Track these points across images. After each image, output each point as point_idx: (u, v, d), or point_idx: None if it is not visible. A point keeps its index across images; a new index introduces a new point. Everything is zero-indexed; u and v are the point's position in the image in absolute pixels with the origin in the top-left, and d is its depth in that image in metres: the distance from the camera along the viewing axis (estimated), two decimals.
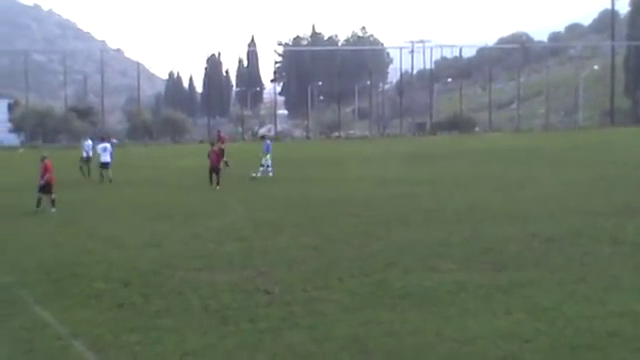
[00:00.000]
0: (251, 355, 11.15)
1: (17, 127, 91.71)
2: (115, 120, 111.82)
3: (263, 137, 43.89)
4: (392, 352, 11.13)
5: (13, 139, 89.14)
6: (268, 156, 40.20)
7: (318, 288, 15.01)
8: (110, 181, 39.12)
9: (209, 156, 35.36)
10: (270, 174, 39.84)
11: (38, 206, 27.46)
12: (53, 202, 27.66)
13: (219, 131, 55.21)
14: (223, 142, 44.60)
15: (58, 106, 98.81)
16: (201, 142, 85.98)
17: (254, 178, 38.78)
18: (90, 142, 42.39)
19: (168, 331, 12.33)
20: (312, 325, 12.48)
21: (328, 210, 26.79)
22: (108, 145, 41.44)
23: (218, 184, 34.40)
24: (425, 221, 23.76)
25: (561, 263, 16.89)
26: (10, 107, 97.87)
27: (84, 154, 41.53)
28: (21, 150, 74.56)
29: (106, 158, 40.12)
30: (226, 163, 41.15)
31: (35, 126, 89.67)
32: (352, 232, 21.86)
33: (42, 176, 27.76)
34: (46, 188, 27.69)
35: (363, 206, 27.68)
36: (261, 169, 39.78)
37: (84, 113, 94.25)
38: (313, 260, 17.89)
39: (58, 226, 24.51)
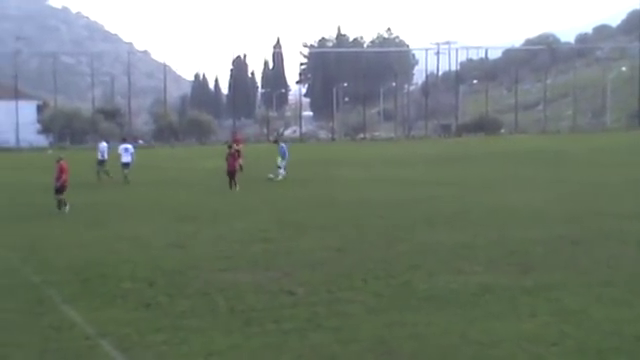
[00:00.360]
0: (276, 356, 11.19)
1: (46, 128, 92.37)
2: (142, 121, 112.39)
3: (276, 141, 43.03)
4: (417, 354, 11.13)
5: (42, 140, 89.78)
6: (279, 159, 39.97)
7: (343, 289, 15.03)
8: (128, 182, 39.52)
9: (227, 159, 35.19)
10: (279, 177, 39.56)
11: (60, 208, 27.68)
12: (64, 203, 27.78)
13: (234, 132, 54.73)
14: (238, 143, 44.22)
15: (86, 107, 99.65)
16: (226, 143, 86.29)
17: (271, 179, 38.87)
18: (105, 144, 42.44)
19: (194, 331, 12.40)
20: (337, 326, 12.50)
21: (353, 212, 26.81)
22: (129, 146, 41.87)
23: (236, 185, 34.40)
24: (450, 223, 23.72)
25: (587, 266, 16.81)
26: (39, 108, 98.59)
27: (99, 156, 41.52)
28: (50, 151, 75.06)
29: (127, 158, 40.58)
30: (240, 167, 40.76)
31: (63, 127, 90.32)
32: (376, 234, 21.87)
33: (58, 178, 27.81)
34: (60, 190, 27.81)
35: (388, 208, 27.68)
36: (280, 171, 39.74)
37: (111, 114, 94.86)
38: (337, 262, 17.92)
39: (86, 226, 24.69)
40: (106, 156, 41.39)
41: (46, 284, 16.08)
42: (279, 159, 39.98)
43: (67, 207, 27.73)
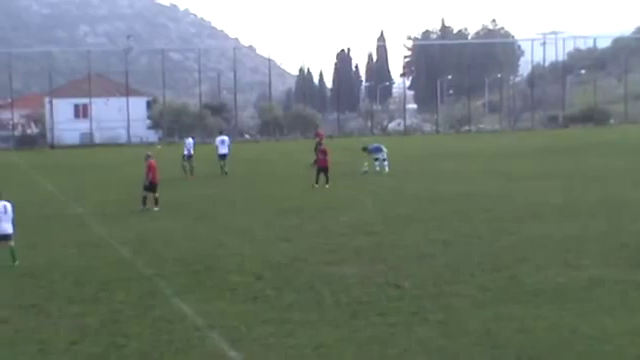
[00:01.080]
0: (382, 349, 11.23)
1: (155, 124, 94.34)
2: (247, 116, 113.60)
3: (365, 149, 41.73)
4: (525, 348, 11.01)
5: (152, 135, 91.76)
6: (380, 154, 39.79)
7: (449, 283, 14.98)
8: (226, 173, 40.63)
9: (317, 156, 34.57)
10: (385, 169, 39.37)
11: (144, 205, 27.44)
12: (156, 201, 27.59)
13: (317, 126, 54.17)
14: (321, 138, 43.91)
15: (193, 103, 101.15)
16: (330, 137, 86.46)
17: (380, 173, 38.79)
18: (192, 140, 43.06)
19: (300, 324, 12.54)
20: (443, 320, 12.47)
21: (458, 205, 26.61)
22: (226, 138, 43.12)
23: (327, 182, 33.12)
24: (558, 216, 23.33)
25: None
26: (149, 104, 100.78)
27: (185, 152, 41.91)
28: (159, 146, 76.76)
29: (224, 150, 41.76)
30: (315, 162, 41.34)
31: (171, 123, 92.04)
32: (482, 227, 21.67)
33: (147, 175, 27.80)
34: (151, 187, 27.68)
35: (494, 200, 27.39)
36: (385, 163, 39.56)
37: (218, 109, 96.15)
38: (443, 255, 17.85)
39: (194, 219, 25.20)
40: (192, 151, 42.03)
41: (157, 277, 16.51)
42: (380, 154, 39.85)
43: (156, 208, 27.37)
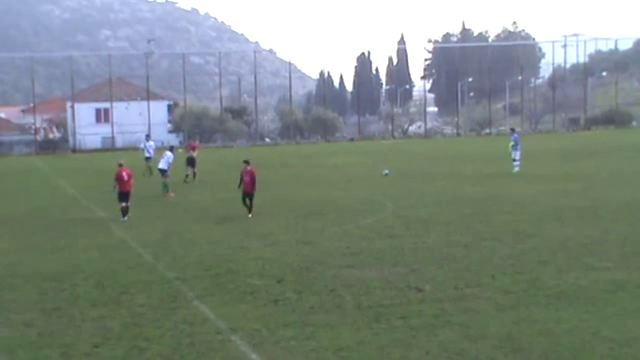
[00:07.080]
0: (404, 352, 11.23)
1: (176, 127, 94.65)
2: (268, 119, 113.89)
3: (513, 130, 43.56)
4: (547, 352, 10.98)
5: (172, 139, 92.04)
6: (513, 153, 40.13)
7: (470, 286, 14.96)
8: (150, 174, 42.15)
9: (242, 177, 27.13)
10: (516, 169, 39.62)
11: (124, 216, 26.58)
12: (126, 210, 26.64)
13: (190, 138, 53.44)
14: (194, 150, 42.39)
15: (214, 107, 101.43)
16: (351, 140, 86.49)
17: (517, 172, 38.86)
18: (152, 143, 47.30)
19: (322, 327, 12.56)
20: (465, 323, 12.46)
21: (479, 207, 26.55)
22: (152, 143, 47.62)
23: (250, 211, 26.85)
24: (579, 218, 23.24)
25: None
26: (169, 108, 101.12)
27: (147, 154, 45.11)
28: (180, 150, 76.92)
29: (149, 154, 45.68)
30: (194, 174, 39.97)
31: (192, 126, 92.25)
32: (504, 229, 21.62)
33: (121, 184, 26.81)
34: (121, 197, 26.73)
35: (515, 203, 27.31)
36: (516, 163, 39.86)
37: (238, 113, 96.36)
38: (464, 258, 17.83)
39: (215, 223, 25.27)
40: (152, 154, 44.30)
41: (178, 280, 16.58)
42: (513, 152, 40.08)
43: (127, 217, 26.57)
